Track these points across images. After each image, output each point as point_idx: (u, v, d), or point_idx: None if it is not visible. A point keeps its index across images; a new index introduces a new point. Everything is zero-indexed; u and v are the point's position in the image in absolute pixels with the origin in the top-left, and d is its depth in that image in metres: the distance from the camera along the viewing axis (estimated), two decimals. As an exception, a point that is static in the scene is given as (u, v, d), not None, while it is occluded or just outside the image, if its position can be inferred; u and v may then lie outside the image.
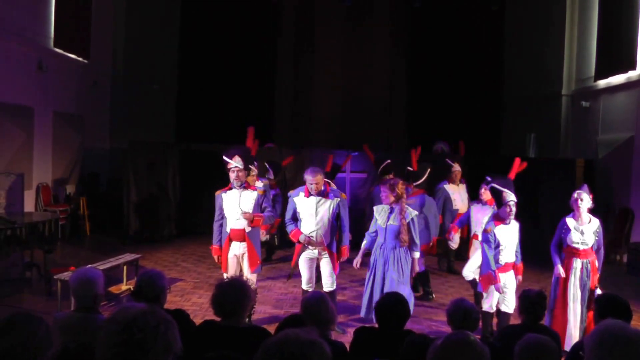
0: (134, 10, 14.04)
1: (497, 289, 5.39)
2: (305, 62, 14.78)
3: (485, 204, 6.70)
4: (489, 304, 5.58)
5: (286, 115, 14.84)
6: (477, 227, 6.65)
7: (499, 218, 5.48)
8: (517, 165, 6.79)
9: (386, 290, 5.40)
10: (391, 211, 5.60)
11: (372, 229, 5.84)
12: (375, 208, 5.85)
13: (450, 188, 8.52)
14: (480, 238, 6.46)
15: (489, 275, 5.42)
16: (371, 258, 5.78)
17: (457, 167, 8.59)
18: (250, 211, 5.69)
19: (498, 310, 5.60)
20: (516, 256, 5.54)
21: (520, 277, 5.60)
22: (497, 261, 5.39)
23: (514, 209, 5.38)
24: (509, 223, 5.43)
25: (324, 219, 5.65)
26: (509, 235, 5.43)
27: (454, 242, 7.99)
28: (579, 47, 12.33)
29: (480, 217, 6.57)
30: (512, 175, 6.79)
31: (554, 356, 2.71)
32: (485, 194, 6.64)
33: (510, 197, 5.39)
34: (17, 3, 9.96)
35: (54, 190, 11.29)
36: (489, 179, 5.86)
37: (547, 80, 13.08)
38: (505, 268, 5.45)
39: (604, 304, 3.62)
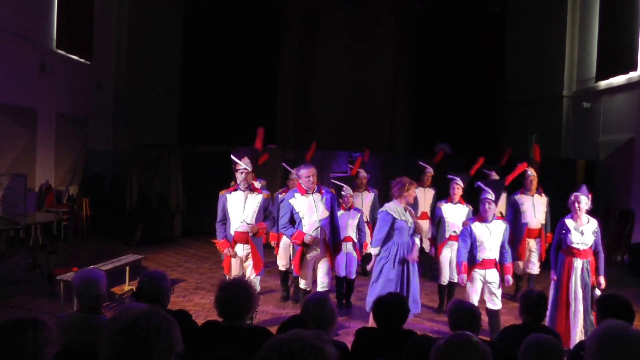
0: (137, 12, 14.07)
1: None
2: (307, 63, 14.80)
3: (457, 203, 6.69)
4: (470, 300, 5.51)
5: (288, 116, 14.86)
6: (452, 228, 6.63)
7: (479, 216, 5.59)
8: (519, 172, 6.89)
9: (413, 286, 5.44)
10: (405, 211, 5.57)
11: (384, 234, 5.44)
12: (390, 209, 5.45)
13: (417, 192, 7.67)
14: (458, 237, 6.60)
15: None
16: (396, 256, 5.40)
17: (430, 170, 8.26)
18: (254, 214, 5.66)
19: (487, 309, 5.59)
20: (504, 256, 5.58)
21: (509, 277, 5.61)
22: (474, 257, 5.48)
23: (487, 205, 5.45)
24: (490, 221, 5.48)
25: (325, 215, 5.67)
26: (488, 233, 5.46)
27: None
28: (580, 49, 12.32)
29: (455, 217, 6.62)
30: (509, 178, 6.82)
31: (558, 356, 2.71)
32: (457, 193, 6.63)
33: (488, 195, 5.48)
34: (20, 5, 9.99)
35: (57, 192, 11.33)
36: (480, 184, 5.81)
37: (548, 82, 13.07)
38: (485, 265, 5.49)
39: (606, 304, 3.61)
